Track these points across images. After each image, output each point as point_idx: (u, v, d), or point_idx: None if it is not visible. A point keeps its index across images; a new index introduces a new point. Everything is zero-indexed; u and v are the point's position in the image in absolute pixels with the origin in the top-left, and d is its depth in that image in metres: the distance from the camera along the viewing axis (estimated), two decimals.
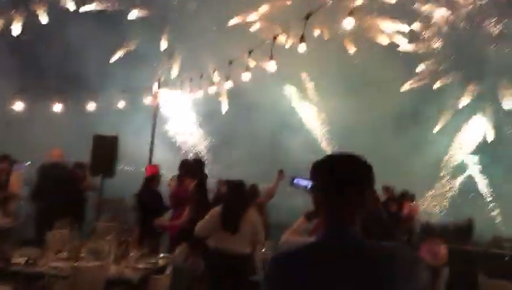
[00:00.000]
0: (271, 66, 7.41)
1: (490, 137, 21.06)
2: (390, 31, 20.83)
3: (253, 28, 21.12)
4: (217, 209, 5.47)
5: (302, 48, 6.32)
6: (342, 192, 1.60)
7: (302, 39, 6.27)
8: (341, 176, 1.62)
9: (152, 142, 10.95)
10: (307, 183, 4.63)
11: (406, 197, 9.29)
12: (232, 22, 21.06)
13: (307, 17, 6.05)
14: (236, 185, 5.66)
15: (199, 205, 6.30)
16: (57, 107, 13.41)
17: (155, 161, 11.12)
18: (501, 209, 20.47)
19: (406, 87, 21.61)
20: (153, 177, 7.53)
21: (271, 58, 7.32)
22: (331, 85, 20.58)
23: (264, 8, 21.02)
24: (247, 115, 22.29)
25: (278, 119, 22.76)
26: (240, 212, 5.41)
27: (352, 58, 20.92)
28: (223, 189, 6.96)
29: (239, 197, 5.53)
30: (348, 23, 5.42)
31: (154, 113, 11.31)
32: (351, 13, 5.39)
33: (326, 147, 23.36)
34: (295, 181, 4.25)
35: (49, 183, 7.66)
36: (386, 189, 8.88)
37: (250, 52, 7.83)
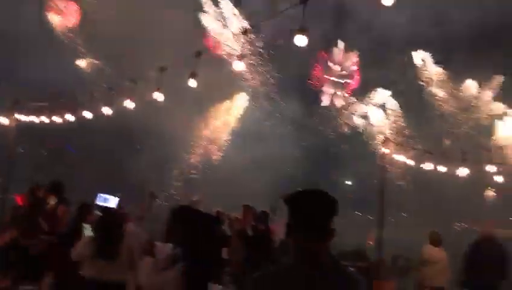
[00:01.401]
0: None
1: None
2: None
3: None
4: (89, 236, 5.22)
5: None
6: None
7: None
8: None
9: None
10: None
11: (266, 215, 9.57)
12: None
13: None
14: (108, 208, 5.49)
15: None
16: None
17: None
18: None
19: None
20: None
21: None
22: None
23: None
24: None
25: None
26: (118, 237, 5.05)
27: None
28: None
29: (114, 220, 5.19)
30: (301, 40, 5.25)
31: None
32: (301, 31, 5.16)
33: None
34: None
35: None
36: (249, 209, 9.13)
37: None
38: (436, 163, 9.45)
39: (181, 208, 3.96)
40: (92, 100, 7.99)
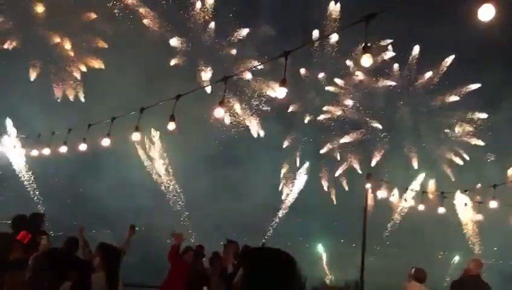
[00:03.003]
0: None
1: None
2: None
3: None
4: None
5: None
6: None
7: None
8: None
9: None
10: None
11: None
12: None
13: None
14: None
15: None
16: None
17: None
18: None
19: None
20: None
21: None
22: None
23: None
24: None
25: None
26: None
27: None
28: None
29: None
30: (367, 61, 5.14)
31: None
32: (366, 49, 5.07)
33: None
34: None
35: None
36: (230, 244, 9.23)
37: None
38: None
39: (47, 254, 3.23)
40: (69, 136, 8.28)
